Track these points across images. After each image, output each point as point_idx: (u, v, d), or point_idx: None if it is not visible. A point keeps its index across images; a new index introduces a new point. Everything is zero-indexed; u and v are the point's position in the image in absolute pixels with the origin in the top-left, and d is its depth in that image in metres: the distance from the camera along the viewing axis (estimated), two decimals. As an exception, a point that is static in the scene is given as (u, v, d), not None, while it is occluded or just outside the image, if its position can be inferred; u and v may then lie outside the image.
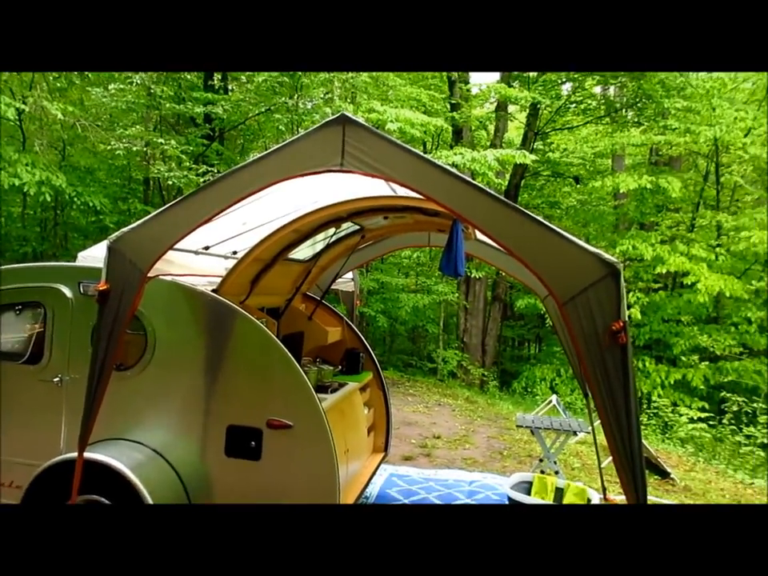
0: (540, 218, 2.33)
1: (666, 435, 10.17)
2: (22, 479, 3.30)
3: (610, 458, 4.15)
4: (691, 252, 12.00)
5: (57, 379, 3.49)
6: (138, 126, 12.41)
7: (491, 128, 16.65)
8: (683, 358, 12.65)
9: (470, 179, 2.51)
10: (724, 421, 9.91)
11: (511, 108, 16.62)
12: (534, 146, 15.55)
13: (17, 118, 11.17)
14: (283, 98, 11.79)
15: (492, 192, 2.44)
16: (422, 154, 2.57)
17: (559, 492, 4.57)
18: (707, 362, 12.32)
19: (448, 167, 2.50)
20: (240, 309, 3.32)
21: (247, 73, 13.61)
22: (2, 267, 3.83)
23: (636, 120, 14.91)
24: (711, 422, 10.05)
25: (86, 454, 2.92)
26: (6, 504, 3.44)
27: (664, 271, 12.14)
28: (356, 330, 5.20)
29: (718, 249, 12.52)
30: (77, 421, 3.08)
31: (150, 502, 3.01)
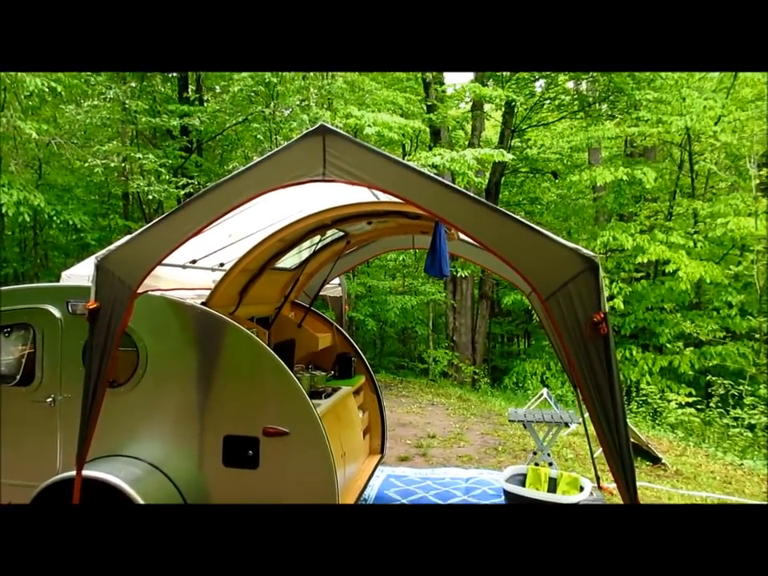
0: (518, 217, 2.40)
1: (656, 422, 10.32)
2: (20, 501, 3.30)
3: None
4: (670, 240, 12.22)
5: (50, 399, 3.49)
6: (114, 142, 12.37)
7: (468, 127, 16.81)
8: (669, 345, 12.86)
9: (448, 182, 2.58)
10: (711, 404, 10.08)
11: (487, 107, 16.79)
12: (512, 144, 15.73)
13: (-10, 139, 11.06)
14: (260, 107, 11.81)
15: (470, 194, 2.51)
16: (400, 159, 2.64)
17: (552, 482, 4.66)
18: (692, 348, 12.54)
19: (427, 172, 2.57)
20: (230, 320, 3.35)
21: (222, 83, 13.61)
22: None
23: (610, 113, 15.18)
24: (699, 407, 10.22)
25: (84, 472, 2.94)
26: (10, 504, 3.43)
27: (645, 260, 12.34)
28: (346, 334, 5.25)
29: (695, 236, 12.75)
30: (72, 440, 3.10)
31: (151, 516, 3.03)
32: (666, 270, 12.33)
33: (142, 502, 3.06)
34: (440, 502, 5.02)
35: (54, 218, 10.91)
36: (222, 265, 4.21)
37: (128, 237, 2.93)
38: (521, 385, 13.94)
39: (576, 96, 16.25)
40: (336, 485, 3.19)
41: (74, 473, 2.94)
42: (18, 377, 3.59)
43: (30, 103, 13.01)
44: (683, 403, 10.19)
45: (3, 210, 9.80)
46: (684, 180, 14.82)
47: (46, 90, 10.43)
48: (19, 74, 10.31)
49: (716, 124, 12.40)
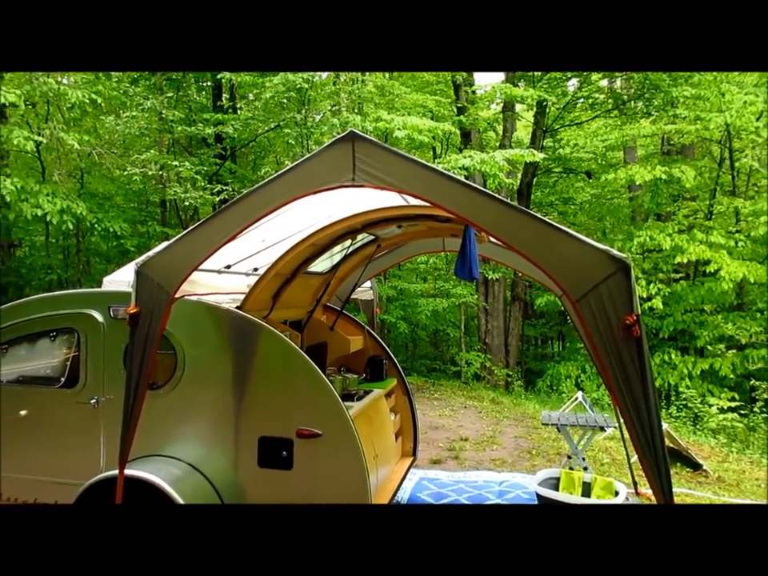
0: (547, 219, 2.40)
1: (697, 427, 10.03)
2: (65, 499, 3.44)
3: (637, 450, 4.15)
4: (710, 240, 11.87)
5: (93, 401, 3.63)
6: (151, 151, 12.73)
7: (499, 128, 16.68)
8: (709, 348, 12.47)
9: (476, 185, 2.59)
10: (755, 409, 9.75)
11: (518, 107, 16.64)
12: (544, 144, 15.54)
13: (35, 150, 11.53)
14: (291, 113, 11.98)
15: (499, 197, 2.52)
16: (429, 163, 2.66)
17: (586, 486, 4.59)
18: (734, 351, 12.14)
19: (455, 176, 2.58)
20: (264, 323, 3.43)
21: (255, 91, 13.86)
22: (35, 296, 4.00)
23: (645, 111, 14.83)
24: (742, 411, 9.88)
25: (126, 471, 3.05)
26: (44, 504, 3.57)
27: (684, 260, 12.01)
28: (377, 337, 5.28)
29: (737, 235, 12.35)
30: (114, 440, 3.22)
31: (189, 514, 3.12)
32: (707, 271, 11.98)
33: (181, 501, 3.15)
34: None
35: (96, 225, 11.30)
36: (255, 269, 4.30)
37: (166, 243, 3.04)
38: (555, 388, 13.74)
39: (610, 94, 15.95)
40: (369, 486, 3.22)
41: (116, 472, 3.05)
42: (63, 379, 3.74)
43: (72, 115, 13.52)
44: (725, 408, 9.88)
45: (48, 219, 10.20)
46: (724, 178, 14.38)
47: (87, 101, 10.82)
48: (62, 86, 10.73)
49: (758, 119, 12.01)
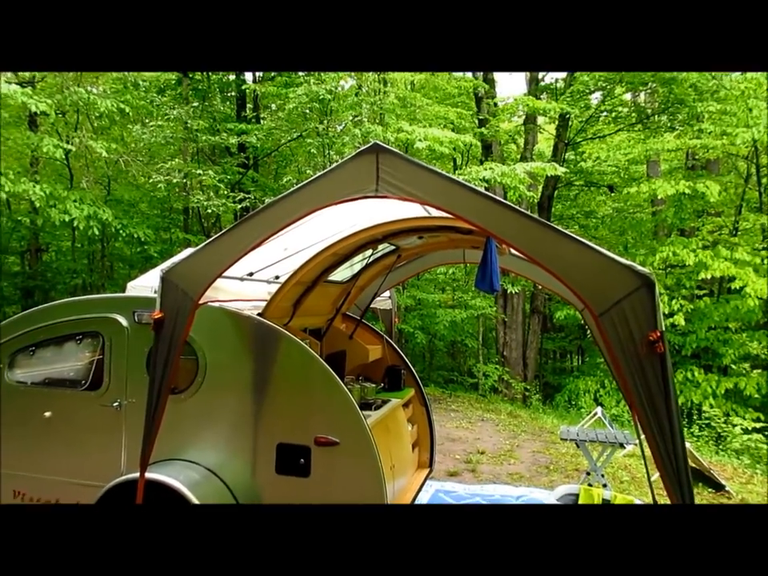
0: (570, 233, 2.39)
1: (720, 447, 9.82)
2: (87, 500, 3.49)
3: (658, 468, 4.08)
4: (735, 256, 11.67)
5: (116, 404, 3.69)
6: (176, 159, 12.96)
7: (521, 141, 16.66)
8: (734, 367, 12.23)
9: (499, 198, 2.60)
10: (782, 431, 9.52)
11: (540, 120, 16.62)
12: (566, 157, 15.49)
13: (64, 157, 11.83)
14: (313, 124, 12.13)
15: (522, 209, 2.52)
16: (452, 176, 2.68)
17: (606, 503, 4.52)
18: (759, 370, 11.88)
19: (477, 188, 2.59)
20: (284, 331, 3.46)
21: (278, 101, 14.06)
22: (62, 300, 4.08)
23: (669, 125, 14.71)
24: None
25: (147, 474, 3.08)
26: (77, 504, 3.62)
27: (708, 276, 11.82)
28: (396, 347, 5.29)
29: (763, 252, 12.13)
30: (136, 443, 3.26)
31: (207, 519, 3.14)
32: (732, 287, 11.76)
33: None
34: (489, 520, 4.95)
35: (121, 231, 11.52)
36: (277, 277, 4.35)
37: (191, 250, 3.09)
38: (573, 402, 13.57)
39: (633, 108, 15.85)
40: (385, 496, 3.22)
41: (136, 475, 3.09)
42: (88, 382, 3.80)
43: (101, 124, 13.85)
44: (749, 428, 9.65)
45: (75, 224, 10.43)
46: (751, 194, 14.15)
47: (115, 110, 11.08)
48: (92, 96, 11.01)
49: (786, 134, 11.81)
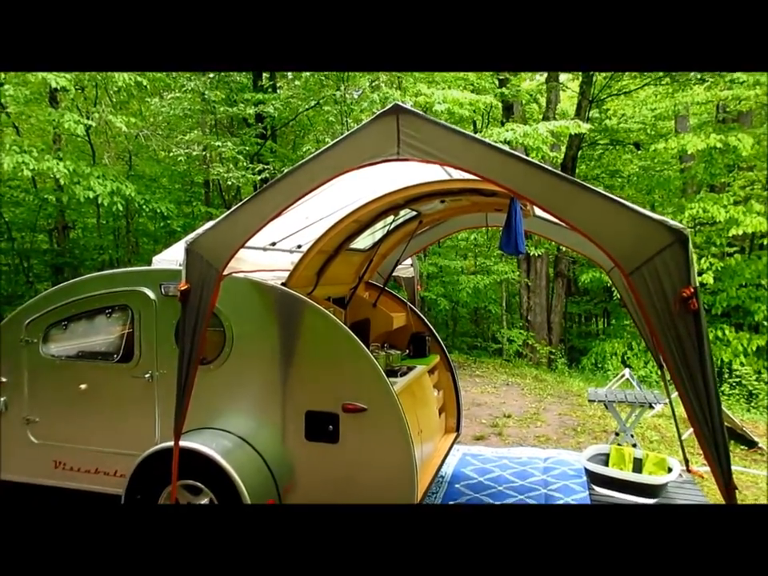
0: (599, 189, 2.32)
1: (752, 404, 9.71)
2: (124, 468, 3.60)
3: (691, 429, 4.05)
4: (768, 211, 11.29)
5: (147, 375, 3.77)
6: (195, 132, 12.93)
7: (543, 101, 16.17)
8: (766, 323, 11.97)
9: (523, 156, 2.52)
10: (815, 387, 9.34)
11: (563, 77, 16.07)
12: (590, 115, 14.99)
13: (85, 133, 11.86)
14: (330, 91, 11.93)
15: (547, 167, 2.44)
16: (475, 135, 2.60)
17: (638, 462, 4.51)
18: (792, 327, 11.62)
19: (502, 146, 2.52)
20: (309, 300, 3.47)
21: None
22: (91, 275, 4.15)
23: (699, 77, 14.08)
24: (800, 389, 9.51)
25: (181, 443, 3.16)
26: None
27: (740, 233, 11.47)
28: (420, 314, 5.28)
29: (798, 206, 11.70)
30: (168, 413, 3.34)
31: (241, 485, 3.22)
32: (765, 243, 11.41)
33: (233, 472, 3.24)
34: (518, 481, 4.99)
35: (144, 206, 11.61)
36: (299, 246, 4.34)
37: (213, 222, 3.09)
38: (600, 365, 13.47)
39: (661, 60, 15.18)
40: (414, 460, 3.25)
41: (171, 443, 3.17)
42: (119, 354, 3.89)
43: (120, 98, 13.83)
44: (782, 386, 9.50)
45: (99, 201, 10.54)
46: (785, 145, 13.55)
47: (133, 84, 11.03)
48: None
49: (824, 81, 11.24)
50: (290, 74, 15.38)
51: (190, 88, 12.26)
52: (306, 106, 13.24)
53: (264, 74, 14.97)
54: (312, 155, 2.80)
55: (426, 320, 5.23)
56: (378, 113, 2.63)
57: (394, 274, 5.88)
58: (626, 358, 13.14)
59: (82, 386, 3.92)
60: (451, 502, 4.52)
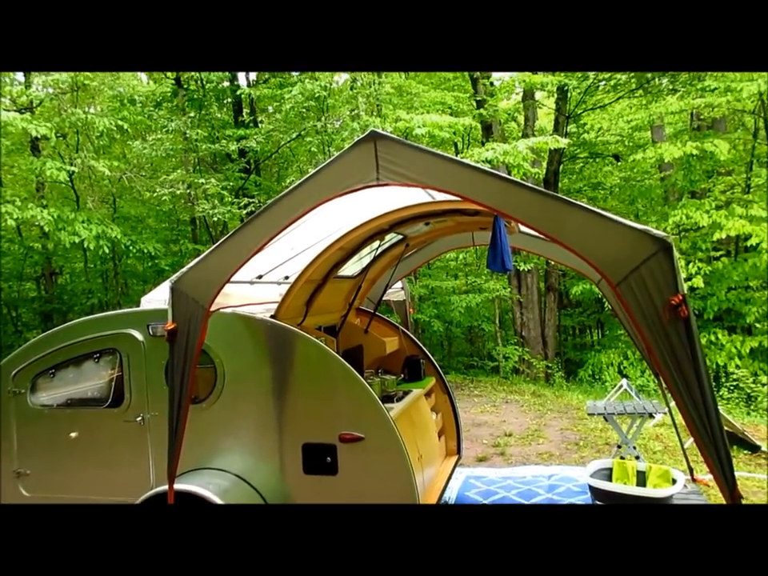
0: (580, 202, 2.32)
1: (750, 407, 9.68)
2: (119, 516, 3.50)
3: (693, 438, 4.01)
4: (750, 213, 11.43)
5: (139, 419, 3.69)
6: (178, 171, 12.98)
7: (521, 119, 16.45)
8: (758, 325, 12.02)
9: (503, 174, 2.53)
10: (812, 385, 9.34)
11: (539, 95, 16.37)
12: (568, 130, 15.25)
13: (68, 179, 11.90)
14: (311, 122, 12.07)
15: (527, 183, 2.46)
16: (452, 156, 2.62)
17: (641, 475, 4.45)
18: (785, 326, 11.68)
19: (480, 166, 2.53)
20: (299, 330, 3.43)
21: (274, 103, 14.02)
22: (77, 320, 4.09)
23: (671, 87, 14.40)
24: (798, 388, 9.50)
25: (176, 486, 3.09)
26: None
27: (724, 236, 11.60)
28: (413, 337, 5.25)
29: (779, 206, 11.86)
30: (163, 455, 3.26)
31: (239, 525, 3.14)
32: (749, 245, 11.53)
33: (229, 511, 3.16)
34: (524, 501, 4.91)
35: (130, 247, 11.60)
36: (286, 278, 4.32)
37: (197, 259, 3.07)
38: (597, 377, 13.44)
39: (632, 74, 15.53)
40: (415, 487, 3.19)
41: (166, 487, 3.09)
42: (110, 399, 3.81)
43: (101, 143, 13.92)
44: (780, 386, 9.49)
45: (85, 245, 10.51)
46: (760, 149, 13.82)
47: (114, 128, 11.12)
48: (89, 115, 11.06)
49: (792, 84, 11.50)
50: (270, 108, 15.55)
51: (171, 128, 12.36)
52: (288, 138, 13.36)
53: (244, 110, 15.15)
54: (293, 186, 2.80)
55: (419, 343, 5.20)
56: (355, 140, 2.65)
57: (384, 298, 5.86)
58: (622, 367, 13.12)
59: (73, 435, 3.84)
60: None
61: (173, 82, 14.23)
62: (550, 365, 14.32)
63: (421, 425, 4.27)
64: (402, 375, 4.92)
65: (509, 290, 14.16)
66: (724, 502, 2.23)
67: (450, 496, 5.13)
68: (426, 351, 5.17)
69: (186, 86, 14.25)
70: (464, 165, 2.49)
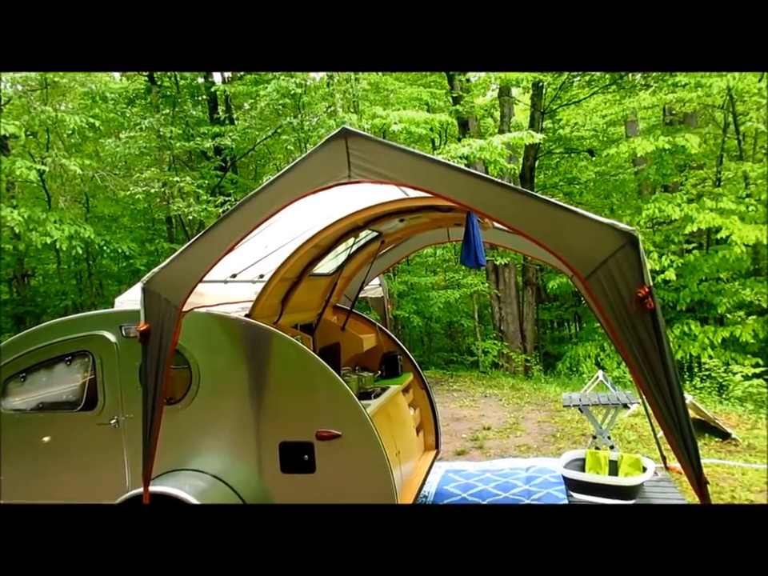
0: (548, 198, 2.36)
1: (722, 396, 9.90)
2: (94, 520, 3.46)
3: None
4: (720, 206, 11.68)
5: (113, 421, 3.65)
6: (152, 169, 12.80)
7: (497, 115, 16.56)
8: (729, 316, 12.31)
9: (472, 170, 2.55)
10: (781, 373, 9.60)
11: (515, 91, 16.49)
12: (543, 125, 15.39)
13: (39, 179, 11.64)
14: (287, 119, 11.99)
15: (498, 180, 2.48)
16: (424, 153, 2.63)
17: (613, 464, 4.54)
18: (755, 316, 11.96)
19: (451, 162, 2.55)
20: (275, 329, 3.42)
21: (250, 100, 13.90)
22: (48, 323, 4.02)
23: (644, 83, 14.62)
24: (768, 377, 9.76)
25: (152, 488, 3.06)
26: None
27: (695, 229, 11.84)
28: (390, 333, 5.26)
29: (747, 199, 12.14)
30: (137, 458, 3.22)
31: (216, 525, 3.12)
32: (719, 238, 11.79)
33: (207, 512, 3.14)
34: (501, 494, 4.97)
35: (104, 247, 11.40)
36: (261, 276, 4.30)
37: (169, 258, 3.03)
38: (575, 369, 13.62)
39: (605, 69, 15.73)
40: (393, 483, 3.20)
41: (141, 489, 3.06)
42: (83, 402, 3.76)
43: (73, 141, 13.65)
44: (750, 375, 9.74)
45: (57, 246, 10.30)
46: (730, 143, 14.14)
47: (86, 126, 10.91)
48: (59, 113, 10.84)
49: (759, 81, 11.78)
50: (245, 105, 15.41)
51: (144, 126, 12.17)
52: (264, 136, 13.26)
53: (219, 107, 14.98)
54: (264, 184, 2.79)
55: (396, 339, 5.22)
56: (327, 137, 2.65)
57: (362, 295, 5.87)
58: (599, 359, 13.32)
59: (46, 439, 3.77)
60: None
61: (146, 78, 14.02)
62: (529, 358, 14.48)
63: (398, 421, 4.29)
64: (380, 372, 4.93)
65: (487, 285, 14.27)
66: (692, 489, 2.29)
67: (430, 490, 5.17)
68: (404, 347, 5.18)
69: (159, 83, 14.05)
70: (435, 161, 2.50)
